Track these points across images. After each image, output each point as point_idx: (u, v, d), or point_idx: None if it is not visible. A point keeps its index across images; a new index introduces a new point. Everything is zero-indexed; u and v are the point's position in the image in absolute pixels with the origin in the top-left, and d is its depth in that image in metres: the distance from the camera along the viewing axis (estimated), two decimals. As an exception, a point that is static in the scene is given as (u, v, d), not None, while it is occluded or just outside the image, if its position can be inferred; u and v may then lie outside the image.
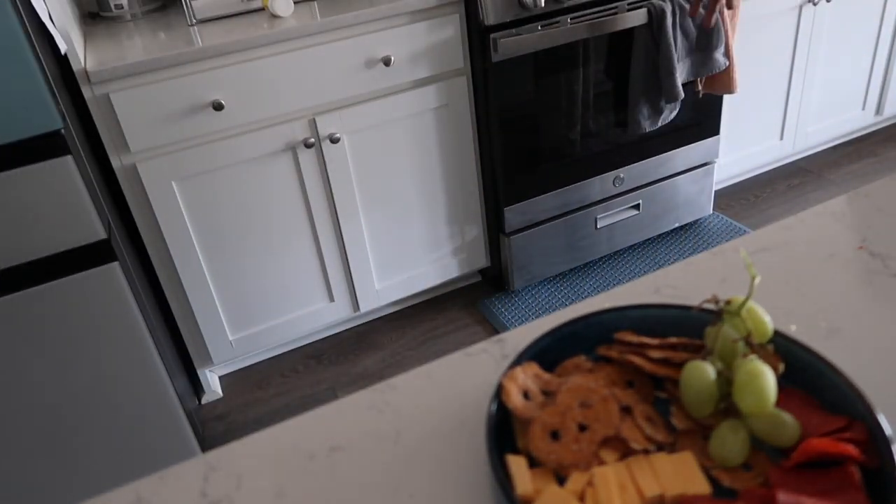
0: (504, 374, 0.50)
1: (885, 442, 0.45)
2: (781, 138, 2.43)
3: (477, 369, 0.60)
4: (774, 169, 2.61)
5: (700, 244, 2.25)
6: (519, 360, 0.51)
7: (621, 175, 2.07)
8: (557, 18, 1.73)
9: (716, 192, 2.49)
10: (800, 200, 2.45)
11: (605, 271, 2.17)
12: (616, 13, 1.77)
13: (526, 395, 0.49)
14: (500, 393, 0.48)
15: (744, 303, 0.51)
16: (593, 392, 0.48)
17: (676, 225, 2.27)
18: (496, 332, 1.99)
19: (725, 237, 2.27)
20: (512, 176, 1.89)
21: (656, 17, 1.76)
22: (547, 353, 0.54)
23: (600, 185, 2.05)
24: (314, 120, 1.67)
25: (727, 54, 1.87)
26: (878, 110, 2.62)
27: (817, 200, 2.46)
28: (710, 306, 0.55)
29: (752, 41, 2.15)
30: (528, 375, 0.50)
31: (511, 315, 2.03)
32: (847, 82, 2.48)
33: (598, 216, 2.09)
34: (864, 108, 2.58)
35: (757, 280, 0.51)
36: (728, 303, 0.52)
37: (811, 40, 2.27)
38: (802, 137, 2.48)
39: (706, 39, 1.83)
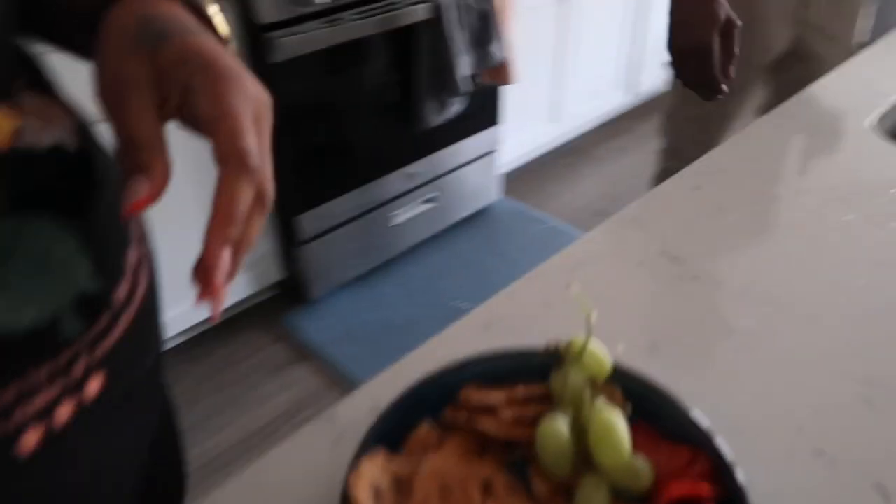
0: (349, 468, 0.43)
1: (729, 471, 0.46)
2: (554, 121, 2.59)
3: (308, 457, 0.52)
4: (551, 151, 2.77)
5: (495, 229, 2.33)
6: (363, 449, 0.45)
7: (413, 170, 2.06)
8: (338, 15, 1.65)
9: (501, 176, 2.59)
10: (576, 177, 2.64)
11: (405, 268, 2.16)
12: (400, 8, 1.73)
13: (377, 492, 0.43)
14: (346, 501, 0.41)
15: (584, 346, 0.50)
16: (449, 474, 0.44)
17: (469, 213, 2.32)
18: (302, 346, 1.89)
19: (517, 220, 2.37)
20: (302, 182, 1.79)
21: (439, 12, 1.75)
22: (388, 428, 0.48)
23: (394, 181, 2.03)
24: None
25: (505, 47, 1.93)
26: (631, 90, 2.90)
27: (590, 175, 2.67)
28: (552, 350, 0.53)
29: (521, 32, 2.24)
30: (377, 467, 0.44)
31: (314, 326, 1.94)
32: (606, 66, 2.71)
33: (394, 213, 2.07)
34: (620, 89, 2.84)
35: (594, 318, 0.50)
36: (568, 345, 0.51)
37: (571, 31, 2.43)
38: (570, 119, 2.66)
39: (486, 34, 1.87)
